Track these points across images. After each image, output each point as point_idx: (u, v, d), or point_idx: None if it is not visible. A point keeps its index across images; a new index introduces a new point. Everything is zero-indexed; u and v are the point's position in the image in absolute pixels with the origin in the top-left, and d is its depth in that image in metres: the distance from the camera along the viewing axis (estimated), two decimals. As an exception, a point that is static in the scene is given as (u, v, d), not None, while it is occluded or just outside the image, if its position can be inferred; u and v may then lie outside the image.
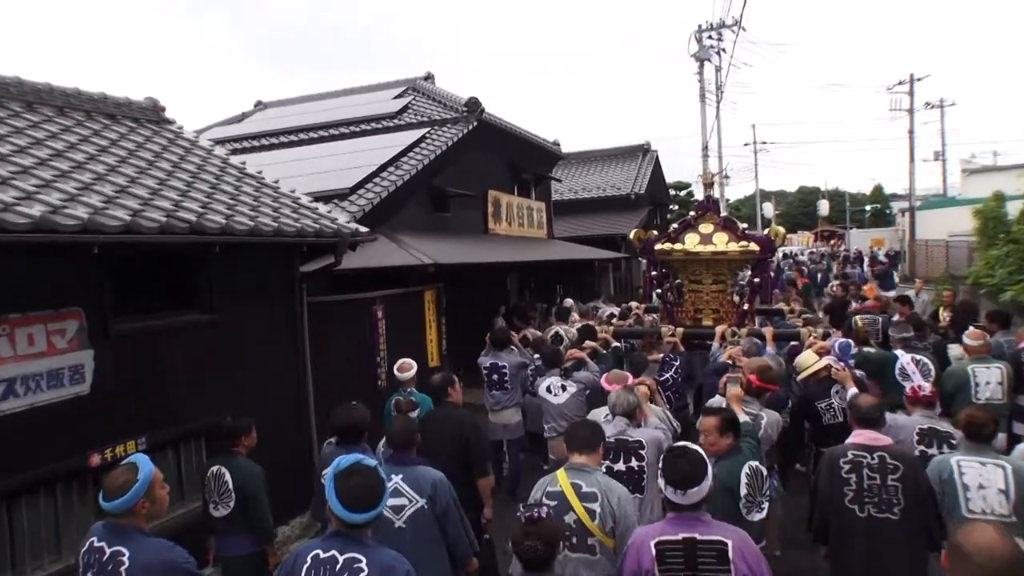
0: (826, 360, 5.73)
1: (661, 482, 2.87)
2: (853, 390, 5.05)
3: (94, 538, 2.91)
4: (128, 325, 5.03)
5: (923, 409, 4.71)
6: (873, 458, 3.68)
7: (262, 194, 6.55)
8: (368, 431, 4.54)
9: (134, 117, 7.07)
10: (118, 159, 5.79)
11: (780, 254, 37.07)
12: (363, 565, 2.49)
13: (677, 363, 6.87)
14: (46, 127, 5.78)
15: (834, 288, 14.93)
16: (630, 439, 4.20)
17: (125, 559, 2.78)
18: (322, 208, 6.89)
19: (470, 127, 12.55)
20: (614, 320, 9.34)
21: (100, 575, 2.82)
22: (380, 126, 13.36)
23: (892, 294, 13.81)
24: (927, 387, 4.87)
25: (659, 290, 8.28)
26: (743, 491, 3.54)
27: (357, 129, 13.49)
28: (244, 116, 16.39)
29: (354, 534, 2.57)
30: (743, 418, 4.19)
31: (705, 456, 2.92)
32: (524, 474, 6.91)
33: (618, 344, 7.85)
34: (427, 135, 12.08)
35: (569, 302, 12.09)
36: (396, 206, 10.69)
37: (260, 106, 16.92)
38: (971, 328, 6.34)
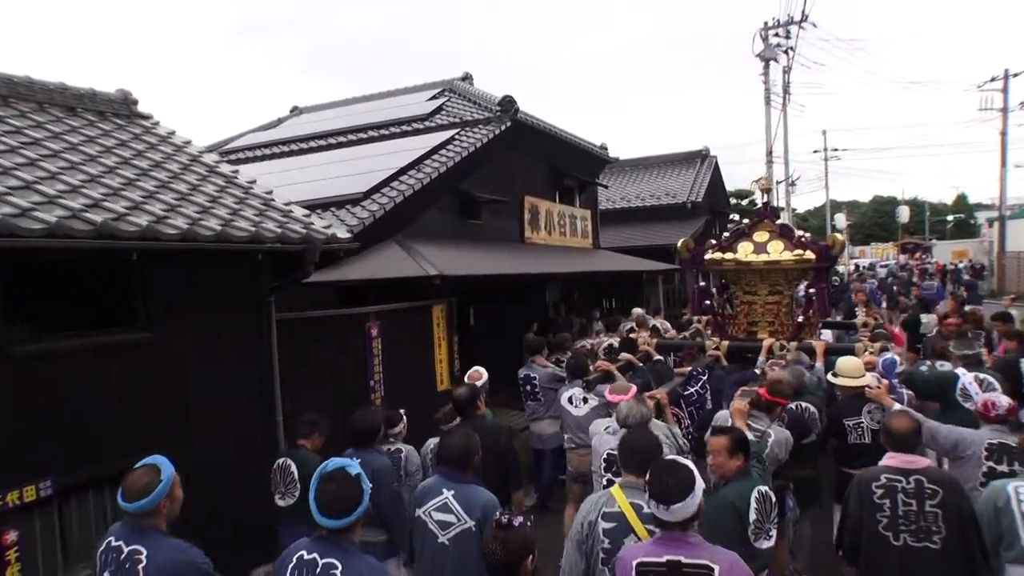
0: (868, 378, 5.14)
1: (645, 496, 2.72)
2: (896, 407, 4.70)
3: (111, 537, 2.88)
4: (33, 347, 4.14)
5: (996, 425, 4.14)
6: (909, 482, 3.35)
7: (225, 194, 5.60)
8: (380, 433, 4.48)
9: (98, 110, 6.25)
10: (50, 152, 4.94)
11: (852, 265, 35.07)
12: (338, 572, 2.51)
13: (704, 378, 6.31)
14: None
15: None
16: None
17: (143, 558, 2.75)
18: (298, 212, 5.89)
19: (503, 127, 11.49)
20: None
21: (117, 574, 2.78)
22: (411, 128, 12.43)
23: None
24: (1004, 402, 4.20)
25: (708, 301, 7.65)
26: (752, 516, 3.25)
27: (387, 132, 12.62)
28: (280, 121, 15.79)
29: (336, 539, 2.59)
30: (747, 435, 3.89)
31: (695, 473, 2.66)
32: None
33: (660, 357, 7.33)
34: (456, 137, 11.08)
35: (638, 311, 11.19)
36: (415, 212, 9.70)
37: (296, 111, 16.30)
38: None
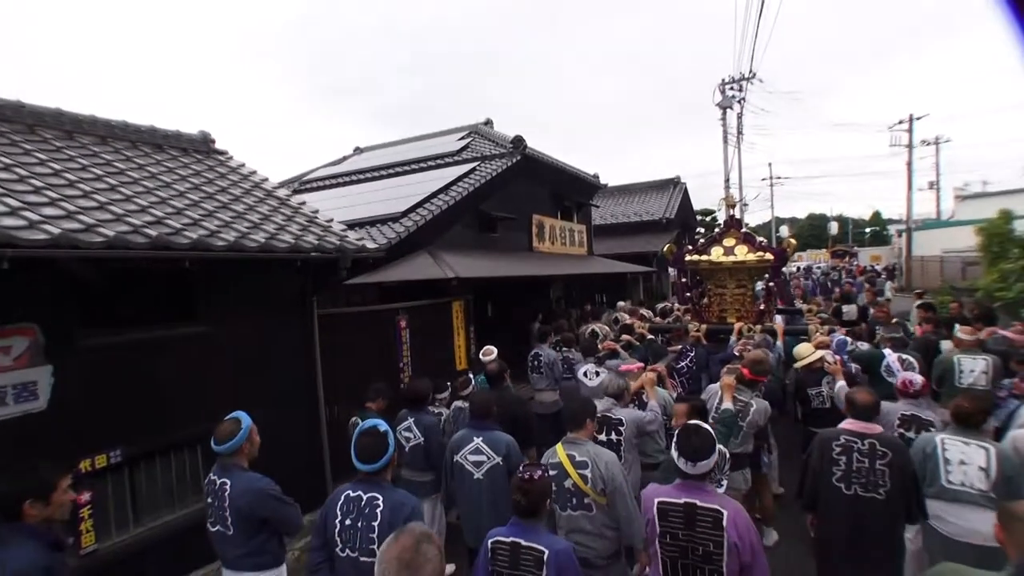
0: (821, 352, 5.00)
1: (675, 453, 2.55)
2: (841, 382, 4.56)
3: (212, 473, 2.91)
4: (100, 340, 3.72)
5: (910, 399, 4.00)
6: (864, 444, 3.18)
7: (277, 213, 5.13)
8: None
9: (182, 147, 5.84)
10: (130, 179, 4.52)
11: (801, 267, 34.06)
12: (379, 502, 2.47)
13: (692, 353, 6.03)
14: (93, 152, 4.59)
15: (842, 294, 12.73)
16: (613, 416, 3.84)
17: (228, 487, 2.80)
18: (336, 227, 5.39)
19: (514, 160, 10.94)
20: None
21: (215, 499, 2.84)
22: (443, 162, 11.94)
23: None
24: (919, 381, 4.05)
25: (688, 294, 7.71)
26: None
27: (425, 166, 12.14)
28: (344, 159, 15.38)
29: (374, 479, 2.53)
30: (726, 405, 3.95)
31: (715, 436, 2.59)
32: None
33: (653, 337, 7.18)
34: (476, 168, 10.57)
35: (622, 304, 11.29)
36: (443, 227, 9.20)
37: (357, 151, 15.87)
38: (959, 325, 5.54)
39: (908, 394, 3.98)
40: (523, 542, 2.32)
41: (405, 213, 8.78)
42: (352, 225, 9.30)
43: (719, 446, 3.08)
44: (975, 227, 12.23)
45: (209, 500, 2.88)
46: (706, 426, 2.65)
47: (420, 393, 4.35)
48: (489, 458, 3.43)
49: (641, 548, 2.91)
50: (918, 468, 3.22)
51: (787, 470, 5.30)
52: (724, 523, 2.37)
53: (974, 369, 5.06)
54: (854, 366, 5.35)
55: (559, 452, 3.09)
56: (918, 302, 12.16)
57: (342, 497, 2.53)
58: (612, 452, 3.17)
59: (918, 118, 28.02)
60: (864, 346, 5.99)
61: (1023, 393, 4.55)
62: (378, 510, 2.44)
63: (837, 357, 5.11)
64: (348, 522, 2.47)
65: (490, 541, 2.38)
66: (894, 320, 7.52)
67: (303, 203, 5.71)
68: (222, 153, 6.26)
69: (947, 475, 3.20)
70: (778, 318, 8.10)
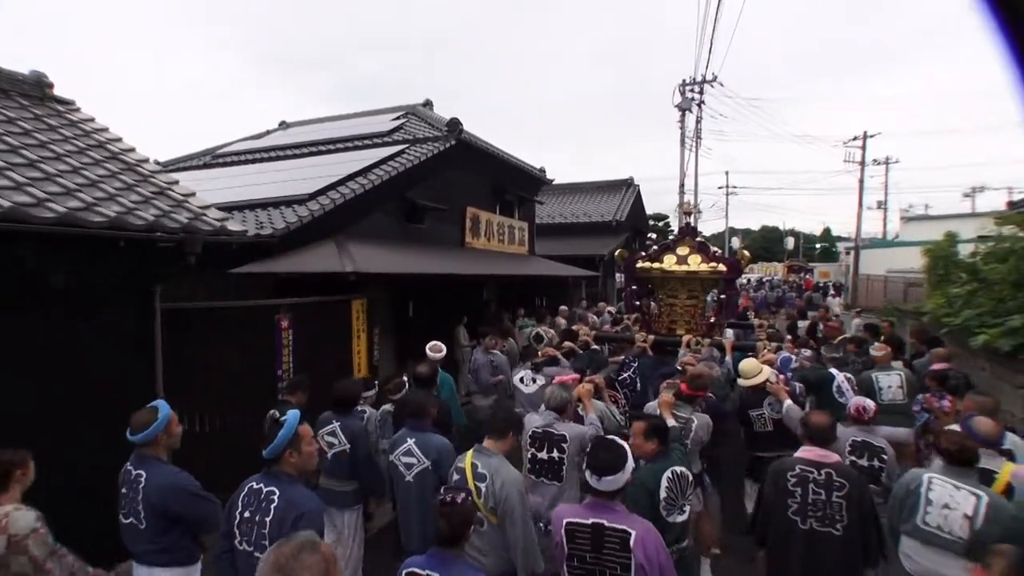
0: (766, 373, 4.70)
1: (585, 467, 2.48)
2: (788, 402, 4.37)
3: (128, 464, 2.82)
4: None
5: (863, 425, 3.88)
6: (820, 474, 2.98)
7: (115, 178, 4.23)
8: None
9: (2, 88, 4.81)
10: None
11: (752, 279, 34.67)
12: (275, 497, 2.39)
13: (635, 365, 5.76)
14: None
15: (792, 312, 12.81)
16: (555, 432, 3.64)
17: (143, 480, 2.72)
18: (195, 204, 4.52)
19: (448, 145, 10.19)
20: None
21: (130, 491, 2.76)
22: (370, 143, 11.07)
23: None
24: (871, 407, 3.93)
25: (637, 302, 7.44)
26: (663, 494, 2.90)
27: (351, 145, 11.24)
28: (267, 133, 14.24)
29: (275, 471, 2.47)
30: (670, 422, 3.68)
31: (628, 452, 2.49)
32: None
33: (597, 347, 6.95)
34: (404, 151, 9.76)
35: (563, 309, 11.55)
36: (359, 214, 8.37)
37: (283, 125, 14.74)
38: (875, 343, 5.88)
39: (861, 420, 3.88)
40: None
41: (313, 196, 7.91)
42: (253, 206, 8.36)
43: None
44: (921, 248, 12.30)
45: (123, 491, 2.81)
46: (620, 442, 2.54)
47: (348, 395, 4.14)
48: (419, 461, 3.40)
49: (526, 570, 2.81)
50: (897, 503, 3.07)
51: (730, 496, 5.01)
52: (631, 543, 2.30)
53: (891, 384, 5.27)
54: (798, 385, 5.16)
55: (467, 458, 3.01)
56: (858, 321, 12.42)
57: (246, 488, 2.50)
58: (517, 473, 2.99)
59: (871, 136, 28.91)
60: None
61: (932, 408, 4.68)
62: (273, 505, 2.38)
63: (781, 376, 4.94)
64: (247, 514, 2.43)
65: (404, 572, 2.22)
66: (839, 339, 7.49)
67: (160, 171, 4.80)
68: (64, 102, 5.25)
69: (924, 515, 3.00)
70: (729, 332, 8.02)
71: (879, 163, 30.92)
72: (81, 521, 3.14)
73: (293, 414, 2.56)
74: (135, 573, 2.82)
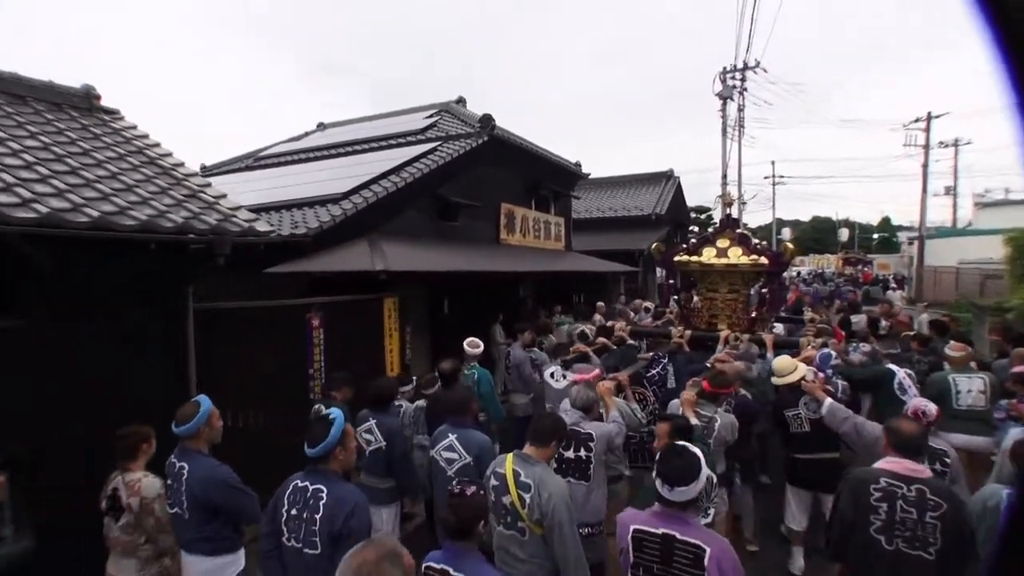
0: (802, 370, 4.47)
1: (655, 475, 2.33)
2: (829, 401, 3.99)
3: (173, 456, 2.95)
4: None
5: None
6: (910, 490, 2.63)
7: (151, 183, 4.40)
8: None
9: (54, 102, 5.08)
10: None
11: (802, 272, 33.34)
12: (323, 494, 2.43)
13: (665, 360, 5.63)
14: None
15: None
16: (582, 431, 3.60)
17: (186, 472, 2.84)
18: (225, 205, 4.65)
19: (480, 141, 10.20)
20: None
21: (174, 481, 2.89)
22: (404, 141, 11.20)
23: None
24: (933, 411, 3.61)
25: (675, 296, 7.39)
26: None
27: (385, 144, 11.40)
28: (306, 134, 14.60)
29: (321, 469, 2.51)
30: (693, 421, 3.68)
31: (702, 461, 2.31)
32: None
33: (634, 342, 6.73)
34: (437, 148, 9.82)
35: (600, 305, 11.26)
36: (392, 213, 8.47)
37: (321, 127, 15.08)
38: (952, 342, 5.37)
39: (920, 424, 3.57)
40: (452, 571, 2.17)
41: (346, 195, 8.06)
42: (289, 206, 8.58)
43: (706, 471, 2.77)
44: (1004, 236, 11.43)
45: (169, 482, 2.95)
46: (693, 448, 2.43)
47: (384, 392, 4.18)
48: (460, 457, 3.46)
49: None
50: (975, 520, 2.74)
51: (773, 495, 5.02)
52: (705, 562, 2.16)
53: (971, 389, 4.92)
54: (840, 383, 4.92)
55: (507, 463, 2.88)
56: (926, 316, 11.51)
57: (291, 486, 2.55)
58: (563, 482, 2.91)
59: (936, 116, 27.20)
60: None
61: (1021, 415, 4.34)
62: (321, 503, 2.42)
63: (820, 375, 4.65)
64: (294, 512, 2.48)
65: (424, 566, 2.23)
66: (903, 335, 7.07)
67: (193, 175, 4.96)
68: (110, 112, 5.50)
69: None
70: (779, 327, 7.77)
71: (946, 145, 29.14)
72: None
73: (339, 412, 2.61)
74: (183, 560, 2.97)
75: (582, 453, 3.53)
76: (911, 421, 2.95)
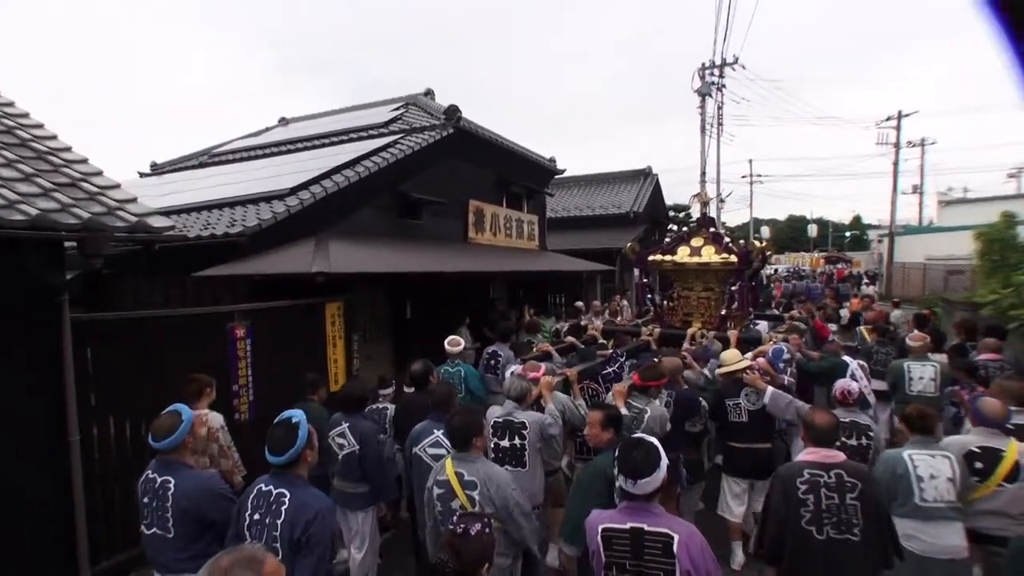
0: (747, 361, 4.65)
1: (616, 471, 2.34)
2: (770, 390, 4.28)
3: (149, 471, 2.74)
4: None
5: (848, 408, 3.90)
6: (830, 476, 2.69)
7: (12, 166, 3.53)
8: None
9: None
10: None
11: (778, 270, 33.10)
12: (286, 499, 2.34)
13: (622, 359, 5.53)
14: None
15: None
16: (515, 420, 3.65)
17: (171, 486, 2.65)
18: (119, 195, 3.80)
19: (445, 133, 9.40)
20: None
21: (154, 499, 2.68)
22: (367, 135, 10.35)
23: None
24: (855, 389, 4.01)
25: (650, 295, 7.40)
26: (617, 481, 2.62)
27: (346, 138, 10.54)
28: (267, 129, 13.66)
29: (284, 473, 2.41)
30: (624, 412, 3.65)
31: (660, 451, 2.31)
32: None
33: (604, 342, 6.48)
34: (397, 141, 8.99)
35: (579, 304, 10.64)
36: (345, 209, 7.65)
37: (283, 121, 14.13)
38: (914, 332, 5.90)
39: (846, 404, 3.93)
40: None
41: (293, 191, 7.22)
42: (232, 203, 7.70)
43: (666, 459, 2.70)
44: (973, 232, 11.09)
45: (145, 500, 2.72)
46: (652, 440, 2.39)
47: (355, 396, 4.00)
48: (448, 452, 3.25)
49: (535, 550, 2.88)
50: (888, 489, 3.09)
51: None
52: (675, 548, 2.17)
53: (923, 376, 5.35)
54: (786, 378, 5.08)
55: (448, 468, 2.83)
56: (899, 312, 11.56)
57: (255, 490, 2.46)
58: (505, 472, 2.93)
59: (906, 115, 27.17)
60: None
61: (961, 401, 4.53)
62: (283, 508, 2.33)
63: (762, 360, 4.79)
64: (256, 516, 2.38)
65: None
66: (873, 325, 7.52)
67: (79, 161, 4.08)
68: (-11, 92, 4.59)
69: (921, 493, 3.08)
70: (761, 324, 7.82)
71: (914, 145, 28.98)
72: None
73: (301, 413, 2.50)
74: None
75: (516, 441, 3.63)
76: (823, 413, 3.02)
